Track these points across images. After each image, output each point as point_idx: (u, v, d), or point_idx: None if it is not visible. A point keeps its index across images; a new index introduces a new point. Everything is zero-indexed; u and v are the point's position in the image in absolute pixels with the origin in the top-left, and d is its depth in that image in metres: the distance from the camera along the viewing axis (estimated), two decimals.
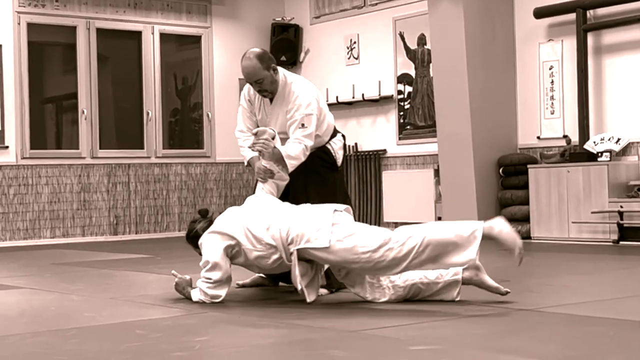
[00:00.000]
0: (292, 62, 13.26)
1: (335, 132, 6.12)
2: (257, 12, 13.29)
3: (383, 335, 4.09)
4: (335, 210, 4.99)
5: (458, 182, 10.41)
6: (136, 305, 5.28)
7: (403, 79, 11.93)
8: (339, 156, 6.08)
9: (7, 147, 11.20)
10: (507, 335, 4.07)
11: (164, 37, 12.54)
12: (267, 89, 5.80)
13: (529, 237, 9.93)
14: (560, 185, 9.66)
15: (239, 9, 13.15)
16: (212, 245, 5.19)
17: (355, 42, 12.56)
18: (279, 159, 5.62)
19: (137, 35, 12.35)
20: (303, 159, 5.71)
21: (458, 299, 4.92)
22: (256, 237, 5.06)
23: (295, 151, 5.66)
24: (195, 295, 5.21)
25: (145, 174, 12.27)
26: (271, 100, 5.84)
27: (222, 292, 5.17)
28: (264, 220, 5.09)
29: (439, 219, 10.88)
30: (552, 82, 10.31)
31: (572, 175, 9.56)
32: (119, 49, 12.52)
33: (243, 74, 5.82)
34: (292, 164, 5.66)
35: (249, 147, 5.80)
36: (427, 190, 11.20)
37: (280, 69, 5.88)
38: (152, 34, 12.41)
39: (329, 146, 6.05)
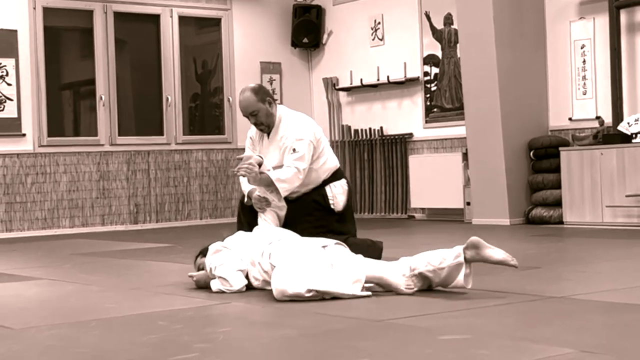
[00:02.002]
0: (315, 45, 13.27)
1: (340, 176, 6.23)
2: None
3: (411, 324, 4.09)
4: (323, 247, 5.18)
5: (487, 166, 10.38)
6: (157, 295, 5.30)
7: (429, 60, 11.89)
8: (338, 201, 6.15)
9: (24, 135, 11.25)
10: (538, 324, 4.06)
11: (183, 20, 12.55)
12: (263, 122, 6.06)
13: (562, 222, 9.90)
14: (593, 168, 9.61)
15: None
16: (220, 248, 5.38)
17: (379, 23, 12.52)
18: (268, 184, 5.79)
19: (155, 18, 12.37)
20: (296, 183, 5.87)
21: (470, 286, 4.89)
22: (254, 260, 5.29)
23: (286, 174, 5.83)
24: (215, 285, 5.25)
25: (166, 160, 12.31)
26: (269, 135, 6.03)
27: (244, 279, 5.24)
28: (260, 247, 5.28)
29: (468, 204, 10.87)
30: (584, 61, 10.25)
31: (605, 157, 9.51)
32: (137, 33, 12.55)
33: (239, 107, 6.10)
34: (283, 187, 5.83)
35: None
36: (455, 175, 11.17)
37: (280, 106, 6.13)
38: (171, 17, 12.42)
39: (327, 189, 6.15)
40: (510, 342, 3.64)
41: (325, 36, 13.30)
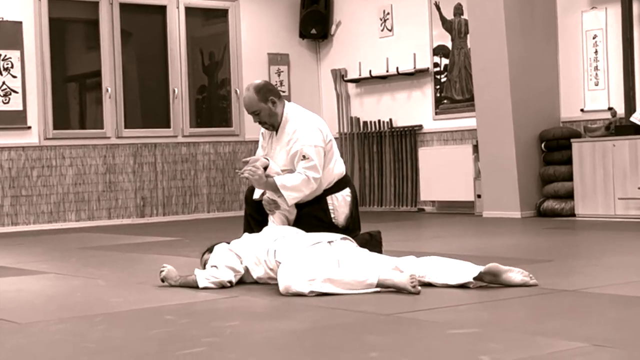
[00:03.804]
0: (323, 36, 13.26)
1: (344, 186, 6.06)
2: None
3: (420, 318, 4.10)
4: (318, 242, 5.15)
5: (498, 158, 10.36)
6: (164, 289, 5.31)
7: (439, 51, 11.86)
8: (340, 214, 5.97)
9: (29, 127, 11.28)
10: (549, 317, 4.06)
11: (189, 11, 12.55)
12: (266, 121, 5.94)
13: (573, 215, 9.89)
14: (606, 160, 9.60)
15: None
16: (223, 249, 5.41)
17: (388, 14, 12.50)
18: (274, 189, 5.72)
19: (161, 9, 12.37)
20: (306, 191, 5.75)
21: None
22: (259, 259, 5.26)
23: (293, 182, 5.71)
24: (202, 275, 5.25)
25: (172, 153, 12.32)
26: (276, 133, 5.96)
27: (232, 275, 5.25)
28: (265, 245, 5.29)
29: (479, 196, 10.86)
30: (596, 52, 10.23)
31: (617, 149, 9.49)
32: (143, 24, 12.55)
33: (243, 105, 6.06)
34: (290, 196, 5.72)
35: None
36: (465, 167, 11.16)
37: (289, 104, 5.97)
38: (177, 8, 12.42)
39: (329, 200, 5.97)
40: (521, 336, 3.64)
41: (333, 27, 13.27)
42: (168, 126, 12.33)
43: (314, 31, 13.17)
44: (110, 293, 5.38)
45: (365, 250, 5.29)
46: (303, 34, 13.24)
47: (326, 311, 4.36)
